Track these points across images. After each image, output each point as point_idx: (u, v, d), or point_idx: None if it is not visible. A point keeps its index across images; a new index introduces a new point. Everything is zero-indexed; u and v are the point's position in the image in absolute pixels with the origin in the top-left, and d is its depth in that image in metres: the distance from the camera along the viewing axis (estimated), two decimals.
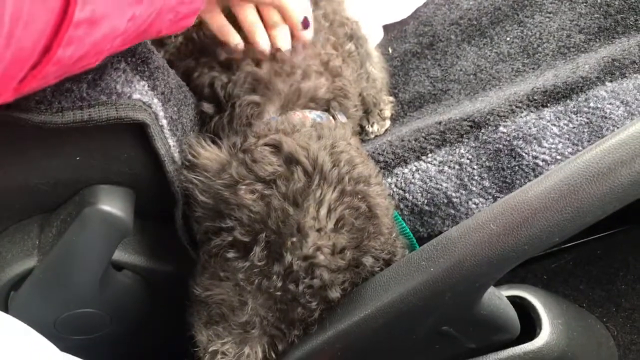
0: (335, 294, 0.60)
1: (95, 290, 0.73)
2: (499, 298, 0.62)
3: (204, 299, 0.65)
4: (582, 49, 0.87)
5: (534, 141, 0.74)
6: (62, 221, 0.68)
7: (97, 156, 0.64)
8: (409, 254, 0.59)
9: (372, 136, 0.93)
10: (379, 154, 0.79)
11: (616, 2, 0.89)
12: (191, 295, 0.66)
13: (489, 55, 0.94)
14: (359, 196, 0.62)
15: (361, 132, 0.92)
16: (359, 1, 1.01)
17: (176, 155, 0.68)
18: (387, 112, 0.94)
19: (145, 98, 0.61)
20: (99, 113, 0.57)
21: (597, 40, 0.87)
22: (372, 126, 0.92)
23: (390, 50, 1.04)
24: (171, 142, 0.67)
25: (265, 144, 0.64)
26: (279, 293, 0.59)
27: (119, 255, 0.72)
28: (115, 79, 0.58)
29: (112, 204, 0.66)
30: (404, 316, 0.57)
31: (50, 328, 0.76)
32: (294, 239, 0.59)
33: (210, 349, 0.63)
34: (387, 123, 0.94)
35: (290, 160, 0.62)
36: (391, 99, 0.96)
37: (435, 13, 1.05)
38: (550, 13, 0.94)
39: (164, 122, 0.65)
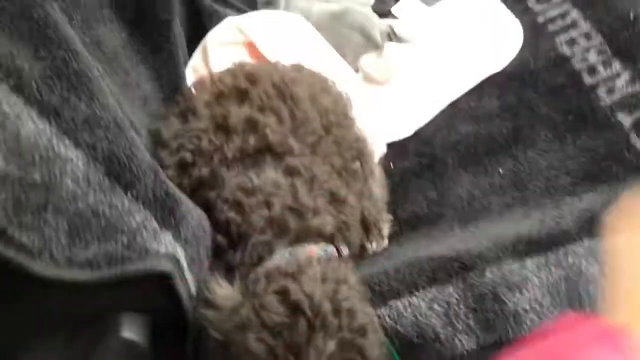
0: None
1: None
2: None
3: None
4: (568, 192, 0.95)
5: (517, 289, 0.82)
6: (88, 343, 0.75)
7: (125, 294, 0.72)
8: None
9: (371, 253, 1.01)
10: (375, 283, 0.87)
11: (601, 150, 0.97)
12: None
13: (483, 185, 1.02)
14: (356, 350, 0.70)
15: (361, 249, 1.00)
16: (365, 118, 1.09)
17: (192, 288, 0.75)
18: (386, 231, 1.02)
19: (170, 249, 0.69)
20: (129, 269, 0.64)
21: (583, 184, 0.95)
22: (371, 244, 1.00)
23: (391, 166, 1.13)
24: (189, 276, 0.74)
25: (274, 291, 0.71)
26: None
27: None
28: (146, 239, 0.66)
29: (134, 333, 0.73)
30: None
31: None
32: None
33: None
34: (385, 242, 1.01)
35: (295, 310, 0.70)
36: (390, 217, 1.04)
37: (435, 134, 1.13)
38: (542, 150, 1.02)
39: (185, 264, 0.73)
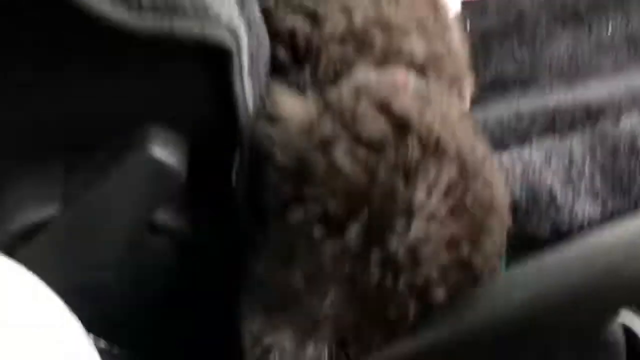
0: (440, 295, 0.49)
1: (122, 255, 0.60)
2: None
3: (266, 282, 0.52)
4: None
5: None
6: (98, 165, 0.54)
7: (157, 87, 0.51)
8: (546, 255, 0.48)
9: None
10: None
11: None
12: (249, 276, 0.54)
13: (587, 44, 0.83)
14: (482, 182, 0.50)
15: None
16: None
17: (250, 101, 0.55)
18: (467, 91, 0.82)
19: (234, 21, 0.48)
20: (181, 27, 0.44)
21: None
22: None
23: (468, 27, 0.93)
24: (247, 82, 0.54)
25: (369, 102, 0.52)
26: (372, 286, 0.47)
27: (159, 215, 0.59)
28: None
29: (166, 152, 0.53)
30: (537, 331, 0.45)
31: (60, 293, 0.62)
32: (402, 222, 0.47)
33: (264, 342, 0.51)
34: (467, 104, 0.82)
35: (402, 125, 0.50)
36: (471, 75, 0.84)
37: None
38: None
39: (245, 56, 0.52)
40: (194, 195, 0.61)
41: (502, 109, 0.72)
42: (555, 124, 0.66)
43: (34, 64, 0.48)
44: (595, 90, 0.69)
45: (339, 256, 0.48)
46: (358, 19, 0.62)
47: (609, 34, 0.83)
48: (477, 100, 0.84)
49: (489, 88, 0.84)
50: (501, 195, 0.53)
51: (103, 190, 0.53)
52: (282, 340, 0.50)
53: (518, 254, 0.54)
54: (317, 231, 0.48)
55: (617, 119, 0.65)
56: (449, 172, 0.48)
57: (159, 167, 0.52)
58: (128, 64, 0.48)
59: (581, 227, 0.64)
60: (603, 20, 0.85)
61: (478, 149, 0.52)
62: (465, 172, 0.49)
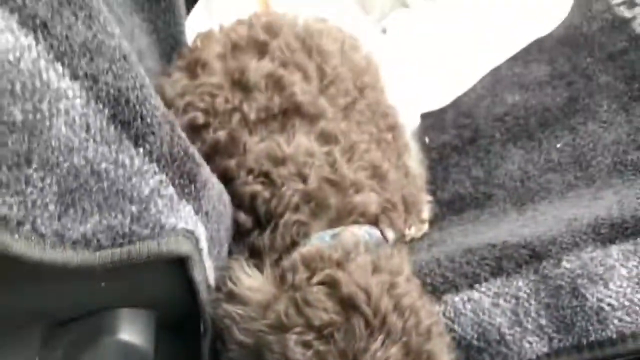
0: None
1: None
2: None
3: None
4: None
5: (600, 281, 0.68)
6: (71, 344, 0.59)
7: (124, 283, 0.55)
8: None
9: (408, 239, 0.86)
10: (425, 274, 0.72)
11: None
12: None
13: (537, 162, 0.88)
14: (424, 357, 0.55)
15: None
16: (396, 86, 0.94)
17: (211, 278, 0.59)
18: (426, 214, 0.87)
19: (189, 225, 0.53)
20: (139, 250, 0.48)
21: None
22: (409, 228, 0.85)
23: (427, 140, 0.98)
24: (207, 264, 0.58)
25: (320, 282, 0.56)
26: None
27: None
28: (161, 210, 0.49)
29: (134, 333, 0.57)
30: None
31: None
32: None
33: None
34: (426, 226, 0.87)
35: (349, 305, 0.55)
36: (429, 198, 0.89)
37: (477, 104, 0.99)
38: (604, 122, 0.89)
39: (204, 245, 0.57)
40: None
41: (455, 244, 0.77)
42: (502, 265, 0.70)
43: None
44: (540, 227, 0.74)
45: None
46: (313, 182, 0.66)
47: (558, 151, 0.88)
48: (436, 219, 0.89)
49: (448, 207, 0.89)
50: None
51: None
52: None
53: None
54: None
55: (559, 260, 0.69)
56: (395, 355, 0.53)
57: (129, 348, 0.57)
58: (94, 276, 0.52)
59: None
60: (552, 137, 0.90)
61: (423, 321, 0.57)
62: (410, 352, 0.54)
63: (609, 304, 0.67)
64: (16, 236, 0.39)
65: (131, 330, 0.57)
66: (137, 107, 0.47)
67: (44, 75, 0.39)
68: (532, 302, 0.69)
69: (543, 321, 0.69)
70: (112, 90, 0.45)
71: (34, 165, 0.39)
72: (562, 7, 1.06)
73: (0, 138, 0.37)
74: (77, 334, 0.59)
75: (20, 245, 0.39)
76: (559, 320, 0.68)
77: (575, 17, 1.05)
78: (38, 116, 0.39)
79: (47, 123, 0.39)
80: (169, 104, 0.74)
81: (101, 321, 0.58)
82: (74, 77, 0.41)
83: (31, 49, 0.38)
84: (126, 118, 0.46)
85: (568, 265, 0.69)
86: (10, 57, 0.37)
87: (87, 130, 0.42)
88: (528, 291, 0.69)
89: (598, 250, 0.69)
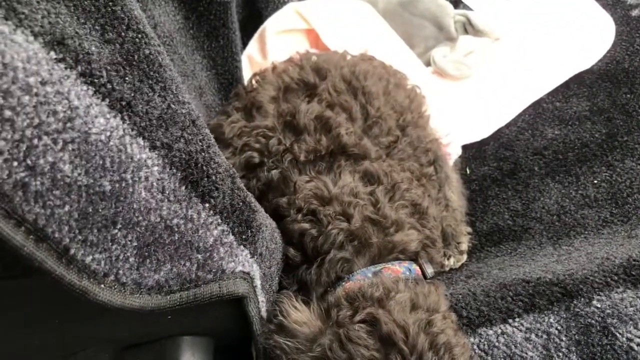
0: None
1: None
2: None
3: None
4: None
5: (630, 322, 0.71)
6: None
7: (187, 316, 0.62)
8: None
9: (447, 269, 0.90)
10: (462, 307, 0.77)
11: None
12: None
13: (574, 197, 0.91)
14: None
15: None
16: (439, 117, 0.98)
17: (264, 310, 0.66)
18: (465, 246, 0.91)
19: (246, 268, 0.59)
20: (203, 293, 0.55)
21: None
22: (448, 259, 0.90)
23: (468, 171, 1.02)
24: (261, 298, 0.65)
25: (362, 321, 0.62)
26: None
27: None
28: (222, 256, 0.56)
29: (196, 358, 0.64)
30: None
31: None
32: None
33: None
34: (464, 257, 0.91)
35: (388, 343, 0.60)
36: (469, 229, 0.93)
37: (517, 137, 1.02)
38: None
39: (258, 282, 0.63)
40: None
41: (492, 277, 0.81)
42: (535, 301, 0.74)
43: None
44: (573, 264, 0.77)
45: None
46: (357, 221, 0.72)
47: (594, 187, 0.91)
48: (475, 250, 0.93)
49: (486, 238, 0.93)
50: None
51: None
52: None
53: None
54: None
55: (590, 299, 0.73)
56: None
57: None
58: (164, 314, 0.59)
59: None
60: (589, 173, 0.93)
61: (456, 352, 0.61)
62: None
63: (638, 344, 0.70)
64: (102, 286, 0.46)
65: (193, 355, 0.64)
66: (205, 167, 0.53)
67: (129, 149, 0.46)
68: (563, 338, 0.72)
69: (574, 357, 0.72)
70: (183, 155, 0.51)
71: (119, 226, 0.46)
72: (604, 41, 1.09)
73: (93, 206, 0.44)
74: (143, 357, 0.66)
75: (106, 294, 0.46)
76: (589, 357, 0.72)
77: (617, 51, 1.07)
78: (123, 185, 0.46)
79: (130, 190, 0.46)
80: (227, 144, 0.80)
81: (165, 348, 0.65)
82: (153, 147, 0.48)
83: (118, 128, 0.45)
84: (195, 178, 0.52)
85: (599, 305, 0.72)
86: (103, 138, 0.44)
87: (163, 192, 0.49)
88: (559, 327, 0.73)
89: (629, 290, 0.72)
